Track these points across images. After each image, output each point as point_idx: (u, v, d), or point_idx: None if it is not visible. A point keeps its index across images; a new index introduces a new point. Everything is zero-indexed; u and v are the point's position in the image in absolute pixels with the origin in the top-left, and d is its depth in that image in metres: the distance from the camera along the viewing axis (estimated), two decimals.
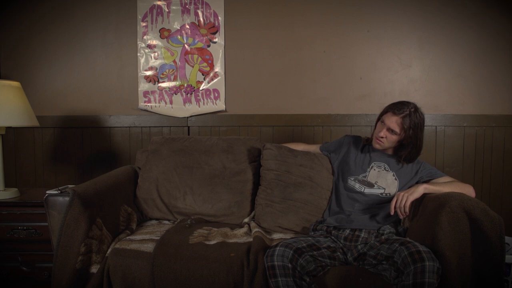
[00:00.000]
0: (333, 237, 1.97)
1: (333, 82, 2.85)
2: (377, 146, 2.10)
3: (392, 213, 1.90)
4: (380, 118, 2.11)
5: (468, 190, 1.95)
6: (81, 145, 2.91)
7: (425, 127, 2.81)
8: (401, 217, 1.91)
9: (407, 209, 1.86)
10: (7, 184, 2.49)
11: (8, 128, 2.45)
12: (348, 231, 1.97)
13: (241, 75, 2.88)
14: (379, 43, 2.82)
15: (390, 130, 2.03)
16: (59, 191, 1.95)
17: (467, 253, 1.68)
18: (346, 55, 2.84)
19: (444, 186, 1.95)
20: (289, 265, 1.66)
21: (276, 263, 1.67)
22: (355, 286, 1.73)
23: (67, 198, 1.84)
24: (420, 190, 1.89)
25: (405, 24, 2.81)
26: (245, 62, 2.88)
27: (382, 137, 2.05)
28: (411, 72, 2.83)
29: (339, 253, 1.87)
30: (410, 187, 2.01)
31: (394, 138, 2.04)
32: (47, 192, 1.94)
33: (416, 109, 2.03)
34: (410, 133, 2.00)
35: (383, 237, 1.92)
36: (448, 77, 2.83)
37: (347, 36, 2.83)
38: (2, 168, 2.41)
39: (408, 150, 2.04)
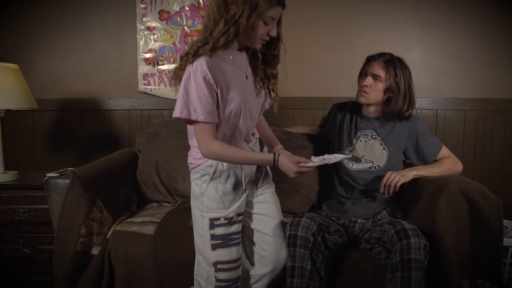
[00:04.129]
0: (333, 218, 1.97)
1: (333, 64, 2.83)
2: (362, 99, 1.96)
3: (381, 191, 1.83)
4: (361, 72, 2.00)
5: (454, 167, 1.93)
6: (81, 128, 2.90)
7: (425, 110, 2.83)
8: (385, 196, 1.85)
9: (396, 189, 1.81)
10: (7, 167, 2.49)
11: (7, 111, 2.44)
12: (344, 219, 1.96)
13: None
14: (381, 26, 2.79)
15: (374, 76, 1.90)
16: (59, 174, 1.95)
17: (466, 236, 1.69)
18: (347, 37, 2.81)
19: (432, 168, 1.91)
20: (312, 238, 1.66)
21: (299, 233, 1.66)
22: (354, 266, 1.76)
23: (67, 180, 1.85)
24: (410, 176, 1.85)
25: (407, 7, 2.78)
26: None
27: (366, 86, 1.92)
28: (412, 55, 2.80)
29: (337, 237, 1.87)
30: (400, 158, 1.98)
31: (379, 86, 1.90)
32: (47, 174, 1.94)
33: (399, 57, 1.93)
34: (396, 79, 1.87)
35: (379, 222, 1.91)
36: (449, 60, 2.82)
37: (348, 18, 2.80)
38: (1, 151, 2.41)
39: (396, 101, 1.90)
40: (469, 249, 1.70)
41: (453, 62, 2.82)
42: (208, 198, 1.57)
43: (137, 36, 2.85)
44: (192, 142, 1.60)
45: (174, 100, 2.85)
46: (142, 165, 2.38)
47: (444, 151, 1.99)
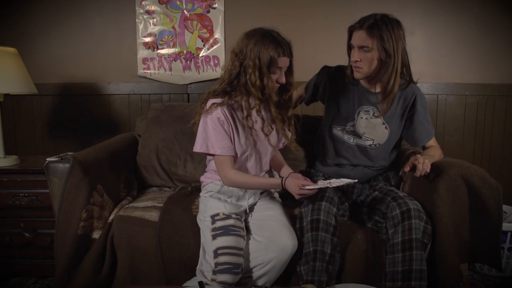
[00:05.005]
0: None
1: (333, 48, 2.79)
2: (357, 75, 1.81)
3: (418, 175, 1.67)
4: (348, 46, 1.86)
5: (441, 155, 1.92)
6: (81, 113, 2.89)
7: (426, 95, 2.81)
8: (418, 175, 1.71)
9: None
10: (7, 152, 2.48)
11: (6, 96, 2.43)
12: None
13: None
14: (382, 9, 2.75)
15: (362, 49, 1.74)
16: (60, 158, 1.95)
17: (465, 220, 1.70)
18: (347, 21, 2.77)
19: (435, 156, 1.87)
20: (333, 221, 1.66)
21: (322, 217, 1.65)
22: (354, 242, 1.78)
23: (67, 165, 1.84)
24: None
25: None
26: (245, 28, 2.80)
27: (357, 61, 1.76)
28: (413, 40, 2.78)
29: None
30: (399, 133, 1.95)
31: (369, 56, 1.73)
32: (47, 159, 1.94)
33: (384, 15, 1.74)
34: (383, 44, 1.69)
35: (377, 186, 1.91)
36: (451, 45, 2.80)
37: (349, 1, 2.77)
38: (1, 136, 2.40)
39: (387, 68, 1.73)
40: (468, 233, 1.70)
41: (454, 47, 2.80)
42: (211, 203, 1.79)
43: (136, 20, 2.82)
44: (209, 166, 1.88)
45: (174, 85, 2.87)
46: (142, 150, 2.38)
47: (433, 138, 1.97)
